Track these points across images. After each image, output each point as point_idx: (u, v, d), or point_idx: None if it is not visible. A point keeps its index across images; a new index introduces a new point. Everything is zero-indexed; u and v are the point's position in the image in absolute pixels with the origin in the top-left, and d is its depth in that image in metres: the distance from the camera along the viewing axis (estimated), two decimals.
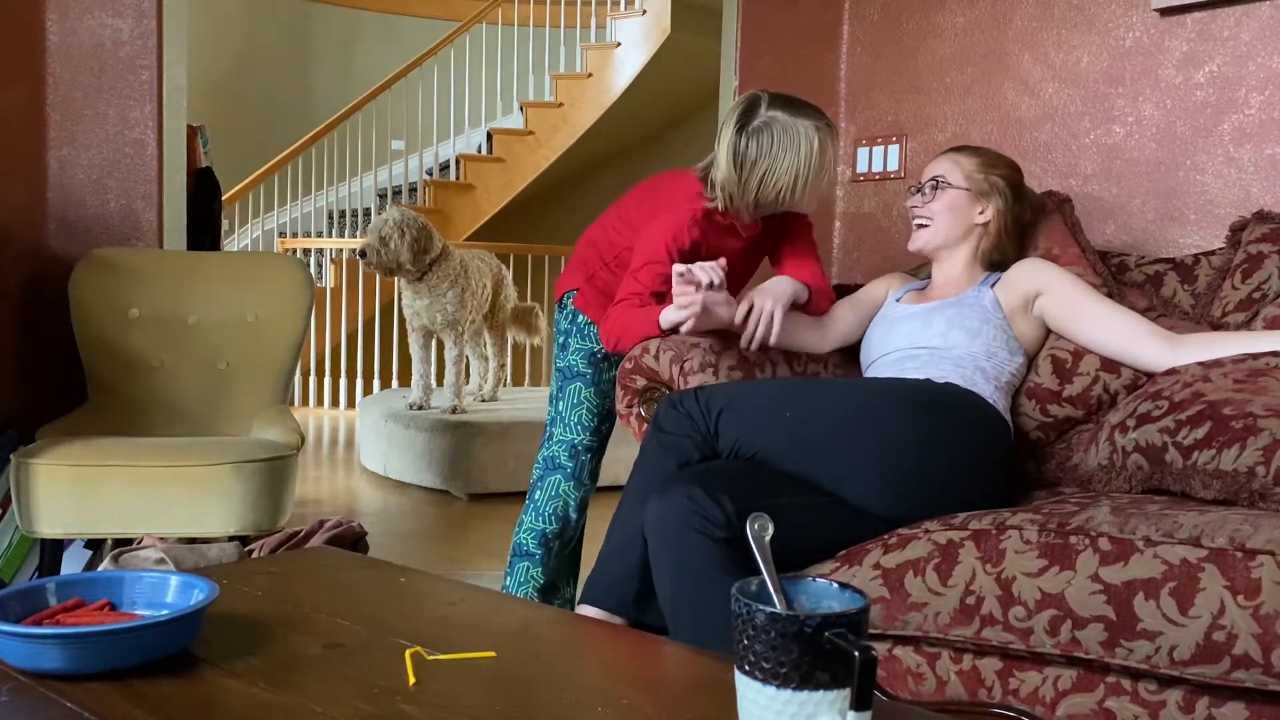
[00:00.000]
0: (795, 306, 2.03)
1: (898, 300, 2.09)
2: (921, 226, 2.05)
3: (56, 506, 2.24)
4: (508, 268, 5.10)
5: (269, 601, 1.19)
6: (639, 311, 1.97)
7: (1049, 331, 1.98)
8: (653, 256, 2.00)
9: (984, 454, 1.71)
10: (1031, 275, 1.96)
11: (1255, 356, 1.68)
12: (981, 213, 2.02)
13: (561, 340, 2.24)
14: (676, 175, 2.18)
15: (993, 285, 1.98)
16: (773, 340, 1.90)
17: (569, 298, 2.24)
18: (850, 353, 2.16)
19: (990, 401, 1.80)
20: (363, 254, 4.17)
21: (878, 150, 3.07)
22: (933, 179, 2.04)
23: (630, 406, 1.99)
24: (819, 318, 2.09)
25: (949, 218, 2.02)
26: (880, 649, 1.49)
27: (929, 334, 1.91)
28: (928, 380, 1.79)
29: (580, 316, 2.21)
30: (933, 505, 1.58)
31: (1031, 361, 1.98)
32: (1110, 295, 2.00)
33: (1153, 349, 1.82)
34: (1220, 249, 2.11)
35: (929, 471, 1.62)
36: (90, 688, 0.93)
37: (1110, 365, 1.91)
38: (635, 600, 1.59)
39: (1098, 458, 1.75)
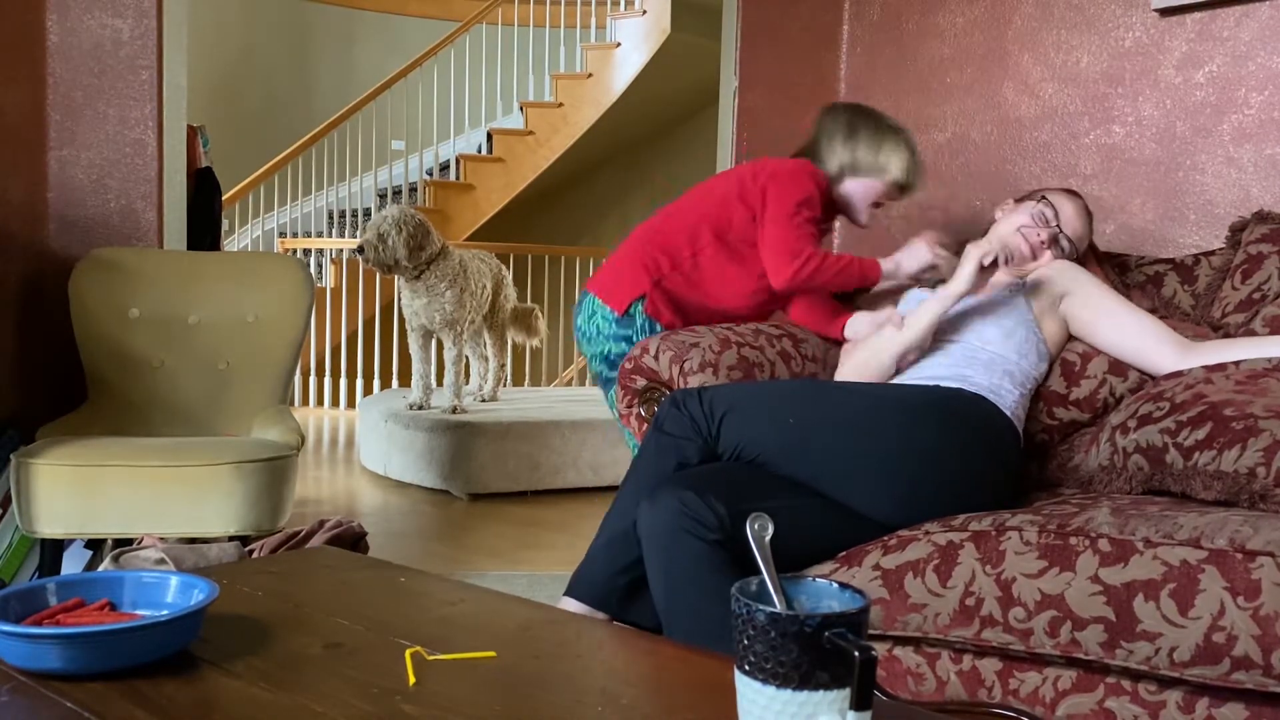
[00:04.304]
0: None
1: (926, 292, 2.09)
2: (1036, 254, 2.02)
3: (56, 506, 2.24)
4: (508, 268, 5.10)
5: (269, 601, 1.19)
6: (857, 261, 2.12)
7: (1069, 335, 1.98)
8: (803, 206, 2.12)
9: (989, 462, 1.70)
10: (1062, 278, 1.96)
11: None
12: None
13: (624, 350, 2.17)
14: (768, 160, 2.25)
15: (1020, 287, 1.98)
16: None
17: (637, 307, 2.18)
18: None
19: (1010, 407, 1.80)
20: (360, 250, 4.19)
21: None
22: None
23: (630, 406, 1.99)
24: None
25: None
26: (880, 649, 1.49)
27: (960, 329, 1.91)
28: (935, 386, 1.79)
29: (656, 325, 2.18)
30: (935, 513, 1.58)
31: (1051, 365, 1.97)
32: None
33: (1169, 355, 1.83)
34: (1220, 249, 2.11)
35: (932, 480, 1.62)
36: (90, 688, 0.93)
37: (1117, 368, 1.90)
38: (621, 598, 1.59)
39: (1098, 458, 1.75)
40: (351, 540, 1.95)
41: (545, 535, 3.55)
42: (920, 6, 2.96)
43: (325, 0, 8.58)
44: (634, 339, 2.19)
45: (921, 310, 1.90)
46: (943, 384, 1.81)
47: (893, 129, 2.18)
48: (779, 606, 0.82)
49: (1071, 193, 2.08)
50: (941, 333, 1.93)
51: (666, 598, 1.50)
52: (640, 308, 2.18)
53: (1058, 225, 2.01)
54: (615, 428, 4.36)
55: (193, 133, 3.83)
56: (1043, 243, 2.01)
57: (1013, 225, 2.03)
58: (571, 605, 1.60)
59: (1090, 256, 2.12)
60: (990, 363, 1.85)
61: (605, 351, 2.21)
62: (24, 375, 2.80)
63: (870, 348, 1.95)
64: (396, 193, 8.06)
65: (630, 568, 1.58)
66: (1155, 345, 1.85)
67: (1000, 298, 1.95)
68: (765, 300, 2.23)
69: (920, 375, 1.87)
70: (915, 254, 2.10)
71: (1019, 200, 2.09)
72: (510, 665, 1.01)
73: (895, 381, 1.90)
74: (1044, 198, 2.05)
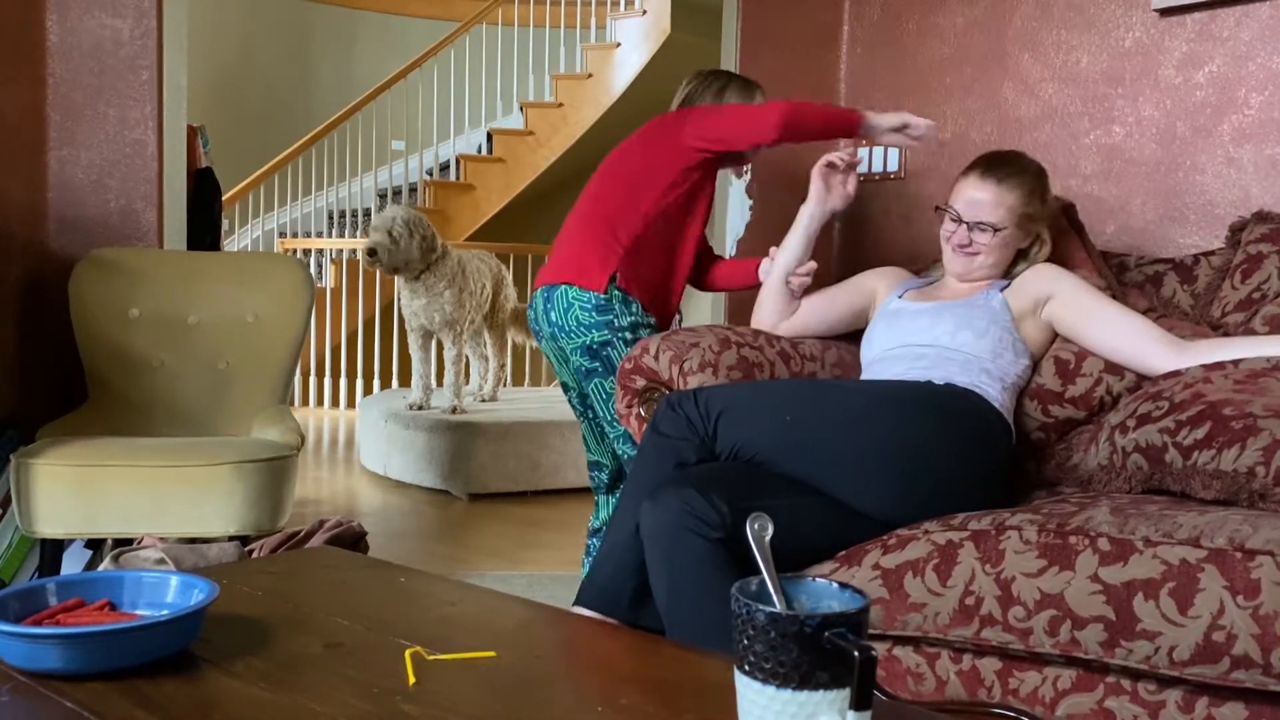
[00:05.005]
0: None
1: (900, 296, 2.08)
2: (968, 254, 1.98)
3: (56, 506, 2.24)
4: (508, 268, 5.10)
5: (269, 601, 1.19)
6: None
7: (1055, 336, 1.97)
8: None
9: (983, 457, 1.71)
10: (1043, 281, 1.95)
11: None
12: (1026, 239, 2.01)
13: (606, 337, 2.20)
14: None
15: (1003, 289, 1.98)
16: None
17: (614, 282, 2.20)
18: (847, 354, 2.16)
19: (996, 401, 1.80)
20: (371, 252, 4.16)
21: (877, 151, 3.07)
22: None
23: (630, 406, 1.99)
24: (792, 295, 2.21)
25: (1000, 254, 1.99)
26: (880, 649, 1.49)
27: (937, 331, 1.91)
28: (928, 382, 1.79)
29: (630, 299, 2.21)
30: (932, 508, 1.58)
31: (1036, 365, 1.98)
32: (1115, 297, 1.99)
33: (1159, 354, 1.82)
34: (1220, 249, 2.11)
35: (928, 475, 1.62)
36: (91, 688, 0.93)
37: (1114, 367, 1.90)
38: (630, 603, 1.59)
39: (1098, 458, 1.75)
40: (351, 540, 1.95)
41: (545, 535, 3.55)
42: (920, 6, 2.96)
43: (325, 0, 8.58)
44: (614, 321, 2.20)
45: (792, 228, 2.17)
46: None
47: (744, 78, 2.51)
48: (779, 606, 0.82)
49: (989, 172, 1.97)
50: (917, 341, 1.93)
51: (669, 597, 1.50)
52: (615, 284, 2.20)
53: (956, 215, 1.98)
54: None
55: (193, 133, 3.83)
56: (952, 234, 1.99)
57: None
58: (583, 614, 1.59)
59: (1076, 242, 2.09)
60: (966, 363, 1.85)
61: (588, 342, 2.21)
62: (24, 375, 2.80)
63: (767, 283, 2.21)
64: (396, 193, 8.06)
65: (639, 570, 1.58)
66: (1147, 345, 1.84)
67: (975, 303, 1.95)
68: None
69: (897, 377, 1.87)
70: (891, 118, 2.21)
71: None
72: (510, 665, 1.01)
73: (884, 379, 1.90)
74: (946, 204, 2.00)
